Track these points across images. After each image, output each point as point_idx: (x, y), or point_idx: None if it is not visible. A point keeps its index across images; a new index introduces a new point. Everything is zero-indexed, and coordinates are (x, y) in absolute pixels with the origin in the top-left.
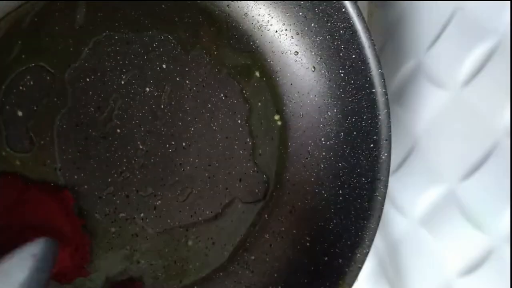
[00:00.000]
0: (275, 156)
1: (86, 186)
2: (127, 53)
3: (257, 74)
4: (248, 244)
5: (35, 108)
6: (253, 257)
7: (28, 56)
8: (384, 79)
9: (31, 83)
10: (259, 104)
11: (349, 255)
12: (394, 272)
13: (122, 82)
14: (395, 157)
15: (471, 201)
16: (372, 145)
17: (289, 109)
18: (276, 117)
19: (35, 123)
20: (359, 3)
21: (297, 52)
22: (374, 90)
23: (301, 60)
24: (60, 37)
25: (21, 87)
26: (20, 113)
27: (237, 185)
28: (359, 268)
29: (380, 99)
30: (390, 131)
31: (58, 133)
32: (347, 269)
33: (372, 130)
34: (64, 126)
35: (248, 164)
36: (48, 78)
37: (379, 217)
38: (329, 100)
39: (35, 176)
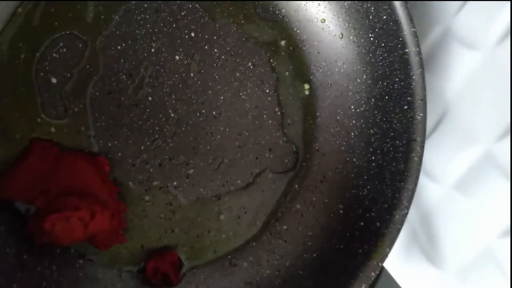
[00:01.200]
0: (304, 126)
1: (119, 154)
2: (156, 21)
3: (284, 43)
4: (280, 214)
5: (68, 75)
6: (285, 227)
7: (61, 24)
8: (417, 38)
9: (64, 50)
10: (287, 73)
11: (387, 217)
12: (427, 241)
13: (152, 50)
14: (428, 122)
15: (509, 160)
16: (406, 107)
17: (316, 78)
18: (304, 86)
19: (69, 90)
20: None
21: (324, 20)
22: (407, 50)
23: (328, 27)
24: (91, 4)
25: (54, 54)
26: (54, 80)
27: (267, 154)
28: (399, 230)
29: (414, 58)
30: (425, 91)
31: (91, 101)
32: (385, 231)
33: (406, 91)
34: (97, 94)
35: (277, 134)
36: (80, 45)
37: (417, 178)
38: (358, 66)
39: (70, 143)
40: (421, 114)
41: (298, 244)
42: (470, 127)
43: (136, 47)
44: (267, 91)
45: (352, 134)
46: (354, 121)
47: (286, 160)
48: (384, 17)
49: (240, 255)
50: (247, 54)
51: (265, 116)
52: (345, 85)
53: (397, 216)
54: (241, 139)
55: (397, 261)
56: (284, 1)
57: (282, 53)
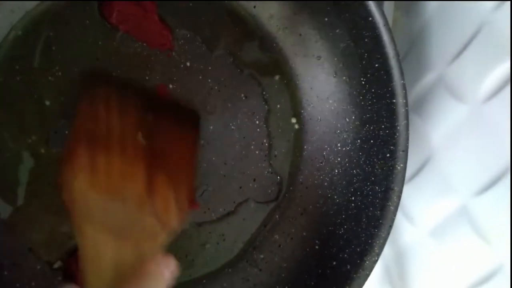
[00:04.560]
0: (290, 159)
1: None
2: (153, 49)
3: (278, 76)
4: (258, 243)
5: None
6: (262, 256)
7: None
8: (405, 90)
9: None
10: (278, 106)
11: (358, 261)
12: (399, 280)
13: (147, 78)
14: (410, 167)
15: (482, 217)
16: (388, 155)
17: (307, 112)
18: (294, 120)
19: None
20: (385, 10)
21: (320, 57)
22: (394, 101)
23: (323, 65)
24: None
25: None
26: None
27: (251, 184)
28: (367, 276)
29: (400, 110)
30: (408, 143)
31: None
32: (354, 275)
33: (389, 140)
34: None
35: (263, 165)
36: (75, 70)
37: (390, 226)
38: (348, 106)
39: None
40: (401, 165)
41: (272, 275)
42: (450, 178)
43: (131, 75)
44: (257, 122)
45: (336, 171)
46: (339, 159)
47: (270, 191)
48: (376, 65)
49: (215, 280)
50: (240, 85)
51: (252, 147)
52: (334, 122)
53: (367, 262)
54: (226, 168)
55: None
56: (282, 35)
57: (276, 86)
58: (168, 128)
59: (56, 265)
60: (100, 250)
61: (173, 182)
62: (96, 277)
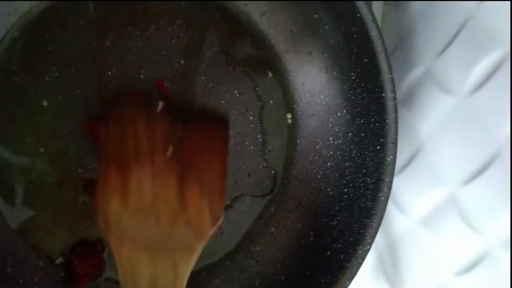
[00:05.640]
0: (284, 153)
1: None
2: (147, 48)
3: (271, 72)
4: (254, 236)
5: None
6: (258, 248)
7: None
8: (394, 84)
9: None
10: (271, 102)
11: (351, 251)
12: (392, 268)
13: (142, 77)
14: (400, 158)
15: (470, 206)
16: (378, 147)
17: (299, 108)
18: (287, 115)
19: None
20: (374, 4)
21: (311, 53)
22: (383, 95)
23: (314, 61)
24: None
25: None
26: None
27: (246, 179)
28: (360, 264)
29: (389, 103)
30: (397, 135)
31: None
32: (347, 264)
33: (379, 132)
34: None
35: (258, 160)
36: (72, 70)
37: (381, 216)
38: (339, 101)
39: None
40: (391, 157)
41: (269, 266)
42: (439, 168)
43: (126, 73)
44: (251, 118)
45: (329, 164)
46: (331, 152)
47: (264, 185)
48: (365, 60)
49: (214, 272)
50: (233, 82)
51: (247, 142)
52: (326, 117)
53: (360, 251)
54: None
55: (363, 284)
56: (274, 33)
57: (268, 82)
58: (197, 137)
59: (58, 261)
60: (138, 269)
61: (206, 190)
62: None
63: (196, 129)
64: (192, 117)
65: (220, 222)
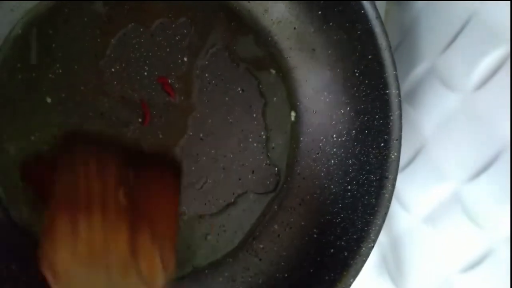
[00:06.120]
0: (287, 150)
1: None
2: (151, 45)
3: (274, 69)
4: (257, 233)
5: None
6: (261, 246)
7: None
8: (398, 81)
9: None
10: (275, 99)
11: (355, 248)
12: (395, 265)
13: (145, 74)
14: (404, 155)
15: (474, 202)
16: (382, 144)
17: (303, 105)
18: (291, 112)
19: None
20: (377, 2)
21: (314, 50)
22: (387, 91)
23: (318, 58)
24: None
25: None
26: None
27: (249, 176)
28: (363, 261)
29: (393, 100)
30: (401, 132)
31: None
32: (351, 262)
33: (383, 129)
34: (90, 114)
35: (261, 157)
36: (76, 67)
37: (385, 214)
38: (343, 98)
39: None
40: (395, 154)
41: (272, 264)
42: (443, 166)
43: (130, 70)
44: (254, 115)
45: (332, 161)
46: (335, 149)
47: (268, 182)
48: (369, 56)
49: (217, 270)
50: (237, 79)
51: (250, 140)
52: (329, 114)
53: (364, 248)
54: (225, 160)
55: (367, 281)
56: (277, 29)
57: (272, 79)
58: (149, 183)
59: None
60: None
61: (157, 238)
62: None
63: (149, 176)
64: (146, 162)
65: (171, 272)
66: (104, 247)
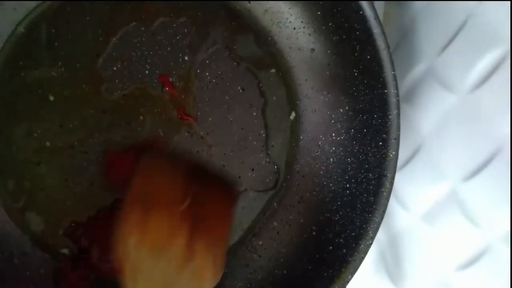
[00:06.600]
0: (287, 149)
1: None
2: (152, 44)
3: (274, 68)
4: (257, 230)
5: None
6: (261, 242)
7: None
8: (396, 81)
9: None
10: (274, 98)
11: (353, 245)
12: (393, 263)
13: (147, 72)
14: (402, 154)
15: (472, 201)
16: (381, 143)
17: (302, 104)
18: (290, 111)
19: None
20: (375, 1)
21: (314, 50)
22: (386, 91)
23: (317, 57)
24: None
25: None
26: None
27: (249, 174)
28: (362, 258)
29: (392, 99)
30: (399, 131)
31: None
32: (350, 258)
33: (382, 128)
34: (91, 112)
35: (261, 155)
36: (78, 65)
37: (384, 211)
38: (342, 97)
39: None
40: (393, 152)
41: (271, 260)
42: (441, 164)
43: (131, 69)
44: (254, 114)
45: (331, 159)
46: (334, 148)
47: (268, 180)
48: (368, 56)
49: None
50: (237, 78)
51: (250, 138)
52: (328, 113)
53: (362, 245)
54: (225, 158)
55: (365, 278)
56: (277, 29)
57: (272, 79)
58: (211, 197)
59: (63, 252)
60: None
61: (211, 245)
62: None
63: (211, 191)
64: (209, 180)
65: (220, 276)
66: (167, 241)
